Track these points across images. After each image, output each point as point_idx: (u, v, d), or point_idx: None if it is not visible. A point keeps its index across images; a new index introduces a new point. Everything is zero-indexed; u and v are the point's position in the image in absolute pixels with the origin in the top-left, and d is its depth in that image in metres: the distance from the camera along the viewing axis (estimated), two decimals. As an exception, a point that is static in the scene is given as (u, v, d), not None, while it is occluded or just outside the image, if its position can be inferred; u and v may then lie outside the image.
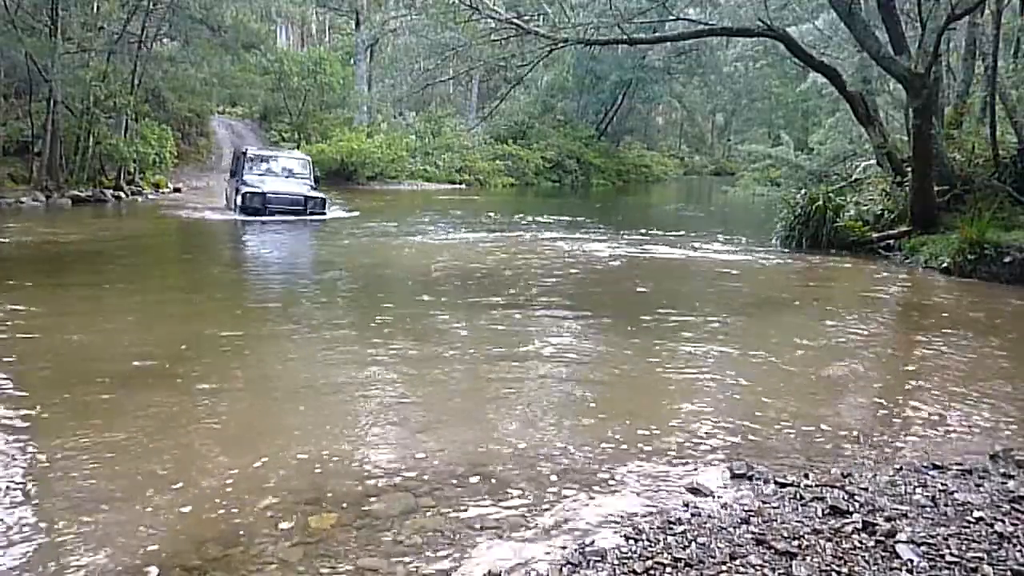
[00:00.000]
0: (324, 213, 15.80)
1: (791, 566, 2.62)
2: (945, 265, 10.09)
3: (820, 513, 3.06)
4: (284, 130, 30.21)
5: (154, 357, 5.26)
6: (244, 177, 15.85)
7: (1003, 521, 2.96)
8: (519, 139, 34.65)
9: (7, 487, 3.25)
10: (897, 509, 3.08)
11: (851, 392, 5.07)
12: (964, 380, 5.27)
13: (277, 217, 14.89)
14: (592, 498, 3.27)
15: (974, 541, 2.80)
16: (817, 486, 3.35)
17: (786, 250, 12.33)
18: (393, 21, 31.09)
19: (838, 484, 3.37)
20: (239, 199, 15.19)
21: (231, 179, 16.98)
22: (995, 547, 2.75)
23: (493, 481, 3.42)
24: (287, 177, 16.49)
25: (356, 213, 17.34)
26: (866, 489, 3.31)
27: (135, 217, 16.22)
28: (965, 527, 2.91)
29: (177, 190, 21.62)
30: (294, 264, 11.19)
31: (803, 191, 13.29)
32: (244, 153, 16.83)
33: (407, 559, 2.75)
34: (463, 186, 29.53)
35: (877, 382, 5.44)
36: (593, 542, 2.86)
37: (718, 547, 2.77)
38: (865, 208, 13.13)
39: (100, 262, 9.88)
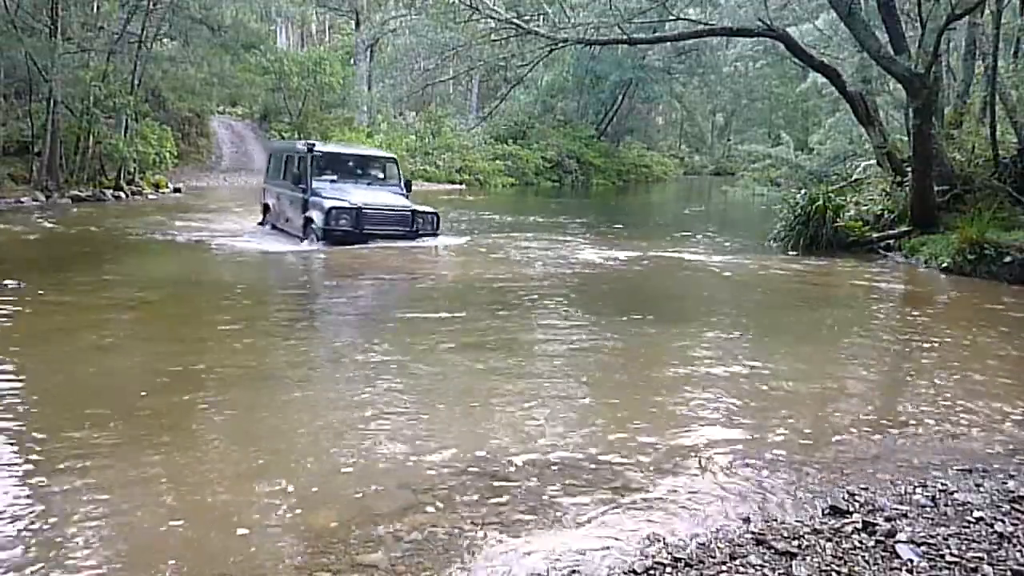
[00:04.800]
0: (437, 234, 11.61)
1: (791, 566, 2.62)
2: (945, 265, 10.09)
3: (820, 513, 3.06)
4: (284, 130, 30.22)
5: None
6: (315, 186, 11.33)
7: (1003, 521, 2.96)
8: (519, 139, 34.66)
9: (15, 488, 3.25)
10: (897, 509, 3.08)
11: (851, 391, 5.07)
12: (964, 380, 5.27)
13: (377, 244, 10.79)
14: (592, 497, 3.27)
15: (974, 541, 2.80)
16: (817, 486, 3.35)
17: (786, 250, 12.33)
18: (393, 21, 31.08)
19: (838, 484, 3.37)
20: (322, 218, 10.73)
21: (287, 190, 12.09)
22: (995, 547, 2.75)
23: (494, 480, 3.41)
24: (369, 184, 12.09)
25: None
26: (866, 489, 3.31)
27: (125, 253, 10.53)
28: (965, 527, 2.91)
29: (177, 190, 21.62)
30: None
31: (803, 191, 13.28)
32: (310, 150, 11.74)
33: (407, 556, 2.75)
34: (463, 186, 29.53)
35: (877, 381, 5.44)
36: (593, 542, 2.85)
37: (718, 547, 2.77)
38: (865, 208, 13.13)
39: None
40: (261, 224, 13.00)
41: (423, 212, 11.47)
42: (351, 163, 12.43)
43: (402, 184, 12.27)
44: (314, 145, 12.02)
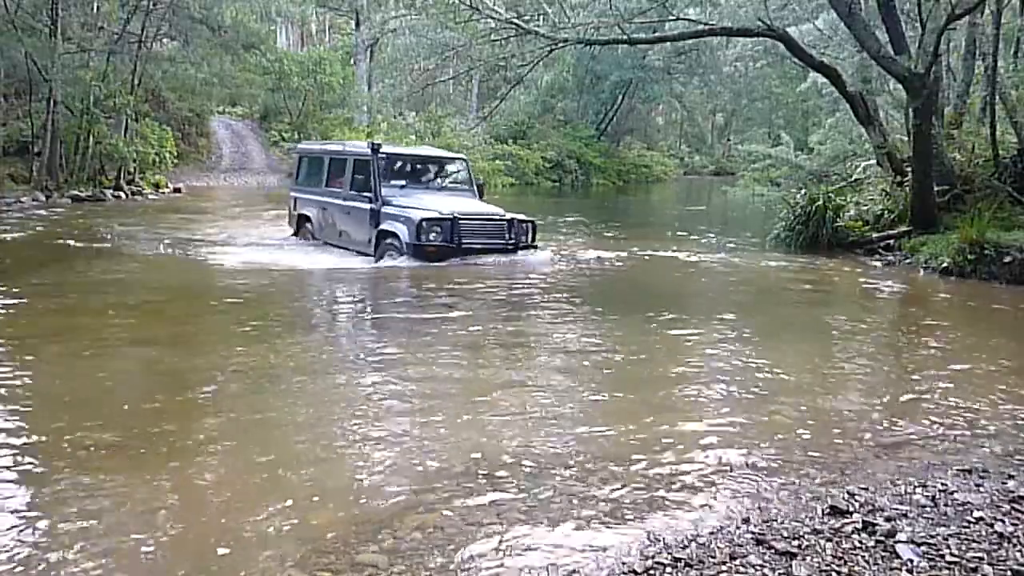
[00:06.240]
0: (536, 245, 10.13)
1: (791, 566, 2.62)
2: (945, 265, 10.08)
3: (820, 513, 3.06)
4: (284, 130, 30.23)
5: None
6: (384, 194, 9.72)
7: (1003, 521, 2.96)
8: (519, 139, 34.64)
9: (4, 501, 3.25)
10: (897, 509, 3.08)
11: (851, 392, 5.07)
12: (965, 380, 5.27)
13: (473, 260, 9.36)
14: (593, 496, 3.27)
15: (974, 541, 2.80)
16: (817, 486, 3.35)
17: (786, 250, 12.32)
18: (393, 21, 31.04)
19: (838, 484, 3.37)
20: (411, 232, 9.17)
21: (337, 199, 10.48)
22: (995, 547, 2.75)
23: (494, 479, 3.41)
24: (440, 189, 10.59)
25: None
26: (866, 489, 3.31)
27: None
28: (965, 527, 2.91)
29: (177, 190, 21.64)
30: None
31: (803, 191, 13.28)
32: (376, 151, 9.99)
33: (407, 556, 2.75)
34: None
35: (877, 382, 5.43)
36: (593, 541, 2.85)
37: (718, 547, 2.77)
38: (865, 208, 13.12)
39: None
40: (295, 235, 11.39)
41: (520, 221, 9.90)
42: (418, 165, 10.97)
43: (475, 188, 10.79)
44: (380, 146, 10.24)
